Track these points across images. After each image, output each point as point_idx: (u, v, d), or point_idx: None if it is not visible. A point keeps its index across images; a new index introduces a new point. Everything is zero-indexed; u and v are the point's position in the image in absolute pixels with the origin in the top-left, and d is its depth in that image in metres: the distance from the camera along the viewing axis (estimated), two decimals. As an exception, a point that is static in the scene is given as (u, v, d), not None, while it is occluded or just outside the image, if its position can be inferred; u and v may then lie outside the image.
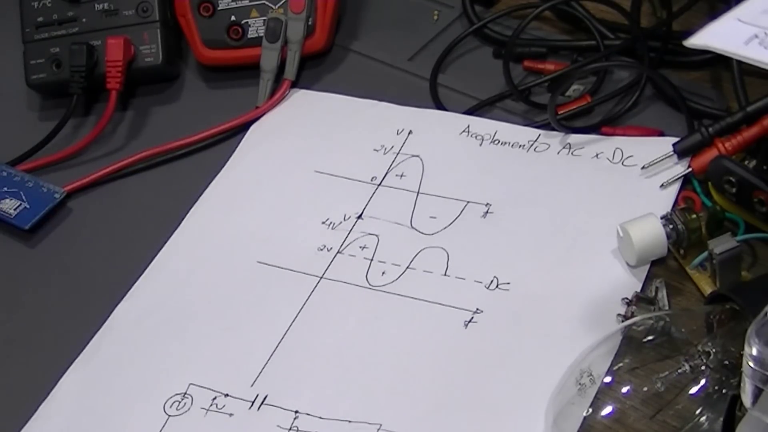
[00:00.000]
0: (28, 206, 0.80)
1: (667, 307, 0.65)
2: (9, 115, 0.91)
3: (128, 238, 0.79)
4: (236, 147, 0.83)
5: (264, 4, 0.87)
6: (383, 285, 0.71)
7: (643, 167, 0.73)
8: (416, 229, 0.74)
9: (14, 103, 0.91)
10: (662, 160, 0.73)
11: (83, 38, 0.87)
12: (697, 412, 0.59)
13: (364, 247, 0.74)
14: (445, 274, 0.71)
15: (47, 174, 0.84)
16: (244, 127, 0.84)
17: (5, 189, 0.82)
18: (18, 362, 0.73)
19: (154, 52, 0.87)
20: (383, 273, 0.72)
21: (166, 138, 0.84)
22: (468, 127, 0.80)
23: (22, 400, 0.70)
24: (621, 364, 0.61)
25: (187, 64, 0.91)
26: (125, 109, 0.88)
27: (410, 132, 0.80)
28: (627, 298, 0.66)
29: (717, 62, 0.79)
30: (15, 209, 0.80)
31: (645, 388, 0.60)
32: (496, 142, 0.78)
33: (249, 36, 0.87)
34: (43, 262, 0.79)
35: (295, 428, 0.65)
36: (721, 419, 0.58)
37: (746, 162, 0.70)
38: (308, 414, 0.66)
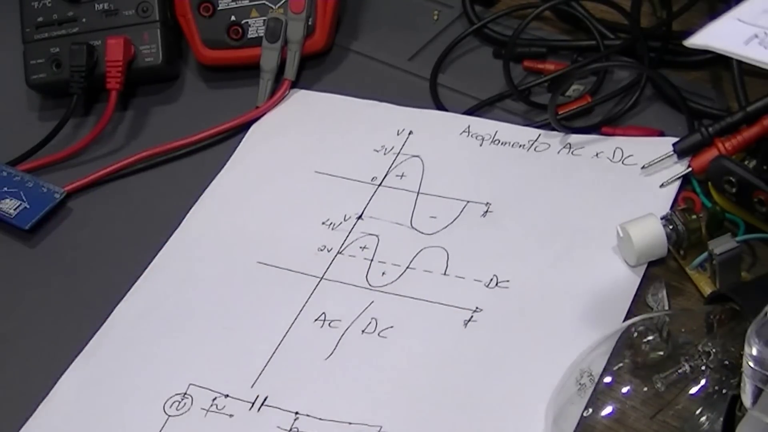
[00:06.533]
0: (28, 206, 0.80)
1: (667, 307, 0.65)
2: (9, 115, 0.91)
3: (128, 238, 0.79)
4: (236, 147, 0.83)
5: (264, 4, 0.87)
6: (383, 285, 0.71)
7: (643, 167, 0.73)
8: (416, 229, 0.74)
9: (14, 103, 0.91)
10: (662, 159, 0.73)
11: (83, 38, 0.87)
12: (697, 412, 0.59)
13: (364, 248, 0.74)
14: (444, 274, 0.71)
15: (47, 174, 0.84)
16: (244, 127, 0.84)
17: (5, 189, 0.82)
18: (18, 362, 0.73)
19: (154, 52, 0.87)
20: (383, 273, 0.72)
21: (166, 138, 0.84)
22: (468, 127, 0.79)
23: (21, 400, 0.70)
24: (621, 364, 0.61)
25: (187, 64, 0.91)
26: (125, 109, 0.88)
27: (410, 132, 0.80)
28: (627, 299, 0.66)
29: (717, 62, 0.79)
30: (15, 209, 0.80)
31: (645, 388, 0.60)
32: (497, 142, 0.78)
33: (249, 36, 0.87)
34: (43, 262, 0.78)
35: (296, 429, 0.65)
36: (721, 419, 0.58)
37: (746, 162, 0.70)
38: (308, 415, 0.66)
